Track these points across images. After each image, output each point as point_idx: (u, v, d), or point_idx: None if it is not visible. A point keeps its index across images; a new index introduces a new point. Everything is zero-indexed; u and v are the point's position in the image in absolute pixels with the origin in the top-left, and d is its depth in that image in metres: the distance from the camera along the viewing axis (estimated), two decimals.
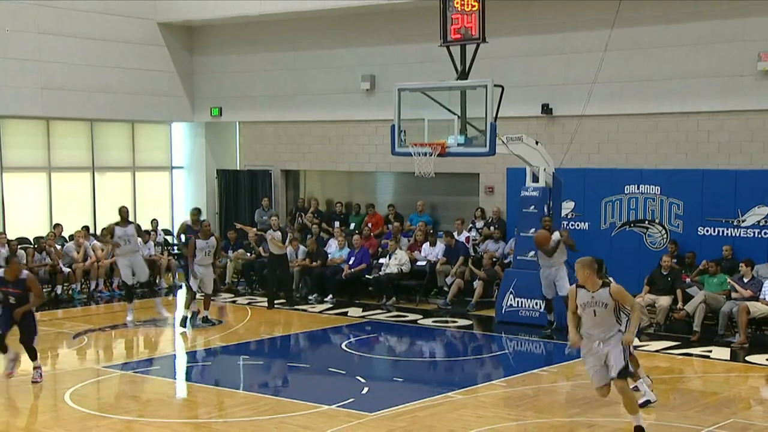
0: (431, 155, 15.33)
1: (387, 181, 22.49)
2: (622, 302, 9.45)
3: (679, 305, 15.33)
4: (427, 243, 19.08)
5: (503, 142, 15.31)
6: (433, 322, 16.66)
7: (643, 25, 18.10)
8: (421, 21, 19.55)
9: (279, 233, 18.06)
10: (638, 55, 18.24)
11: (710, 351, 14.04)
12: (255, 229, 19.83)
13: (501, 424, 10.30)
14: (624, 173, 18.04)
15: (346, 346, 14.78)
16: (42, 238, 19.71)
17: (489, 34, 15.25)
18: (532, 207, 16.25)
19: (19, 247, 18.86)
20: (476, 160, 18.31)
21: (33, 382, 12.12)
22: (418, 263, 18.75)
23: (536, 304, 16.03)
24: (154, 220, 22.41)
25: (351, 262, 19.01)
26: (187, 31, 23.82)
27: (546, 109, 19.30)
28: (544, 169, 16.33)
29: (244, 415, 10.66)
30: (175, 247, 21.00)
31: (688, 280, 16.01)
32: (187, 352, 14.97)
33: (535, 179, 16.41)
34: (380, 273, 18.61)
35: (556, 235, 15.21)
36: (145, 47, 22.88)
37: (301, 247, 19.76)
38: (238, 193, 23.97)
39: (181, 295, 19.12)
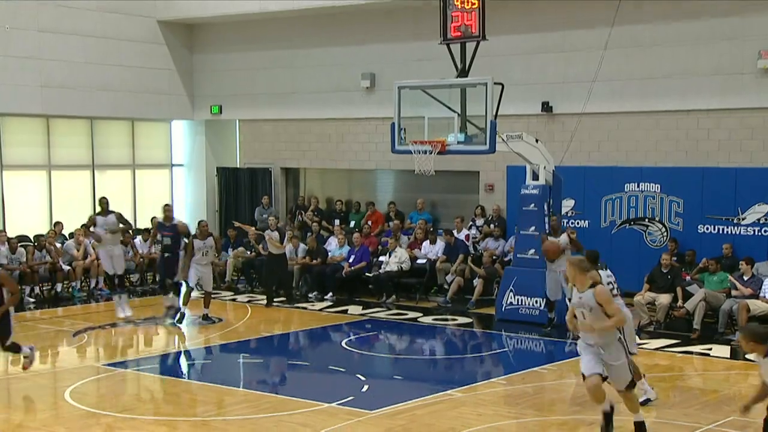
0: (431, 153, 15.32)
1: (387, 178, 22.48)
2: (605, 308, 8.86)
3: (679, 303, 15.32)
4: (427, 241, 19.08)
5: (503, 139, 15.31)
6: (433, 320, 16.66)
7: (644, 23, 18.09)
8: (421, 19, 19.55)
9: (276, 233, 18.05)
10: (638, 53, 18.24)
11: (710, 349, 14.03)
12: (254, 228, 19.84)
13: (501, 422, 10.29)
14: (624, 171, 18.04)
15: (346, 344, 14.78)
16: (42, 236, 19.71)
17: (489, 32, 15.24)
18: (532, 205, 16.24)
19: (19, 244, 18.87)
20: (476, 157, 18.32)
21: (23, 368, 12.08)
22: (418, 261, 18.75)
23: (536, 302, 16.03)
24: (154, 218, 22.32)
25: (351, 260, 19.01)
26: (187, 29, 23.81)
27: (546, 107, 19.29)
28: (544, 167, 16.32)
29: (243, 413, 10.66)
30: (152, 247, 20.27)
31: (688, 278, 16.01)
32: (186, 350, 14.98)
33: (535, 177, 16.40)
34: (380, 271, 18.61)
35: (564, 239, 15.18)
36: (145, 45, 22.87)
37: (301, 245, 19.76)
38: (238, 191, 23.97)
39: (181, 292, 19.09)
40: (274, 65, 22.92)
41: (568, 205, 18.05)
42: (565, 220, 17.55)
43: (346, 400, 10.96)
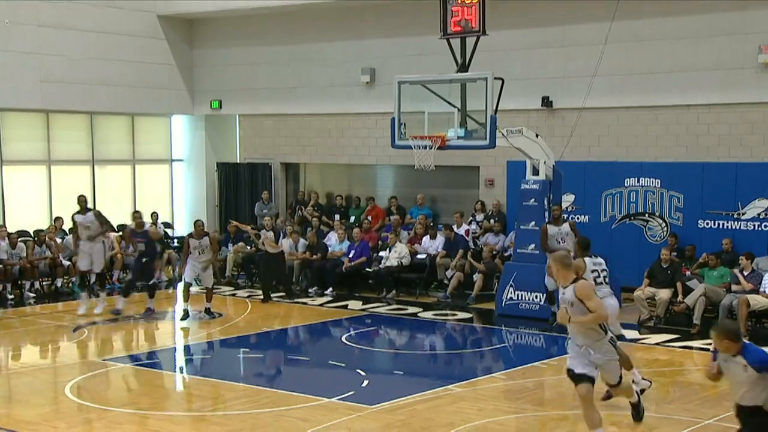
0: (431, 148, 15.30)
1: (387, 174, 22.48)
2: (586, 304, 8.52)
3: (679, 298, 15.32)
4: (427, 236, 19.08)
5: (503, 135, 15.29)
6: (433, 315, 16.67)
7: (644, 17, 18.07)
8: (421, 13, 19.51)
9: (272, 233, 18.04)
10: (638, 47, 18.22)
11: (710, 344, 13.91)
12: (251, 226, 19.87)
13: (501, 417, 10.30)
14: (624, 166, 18.03)
15: (346, 339, 14.79)
16: (42, 231, 19.71)
17: (489, 27, 15.21)
18: (532, 200, 16.24)
19: (19, 240, 18.87)
20: (476, 153, 18.30)
21: None
22: (418, 256, 18.75)
23: (536, 297, 16.03)
24: (154, 213, 22.35)
25: (351, 255, 19.01)
26: (186, 23, 23.79)
27: (546, 102, 19.27)
28: (545, 162, 16.31)
29: (243, 407, 10.66)
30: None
31: (688, 273, 16.00)
32: (186, 345, 14.99)
33: (536, 172, 16.40)
34: (380, 266, 18.61)
35: (565, 228, 15.18)
36: (144, 40, 22.85)
37: (302, 240, 19.76)
38: (238, 186, 23.96)
39: (180, 288, 19.09)
40: (274, 60, 22.90)
41: (568, 200, 18.04)
42: (566, 215, 17.53)
43: (346, 395, 10.97)
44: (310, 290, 18.96)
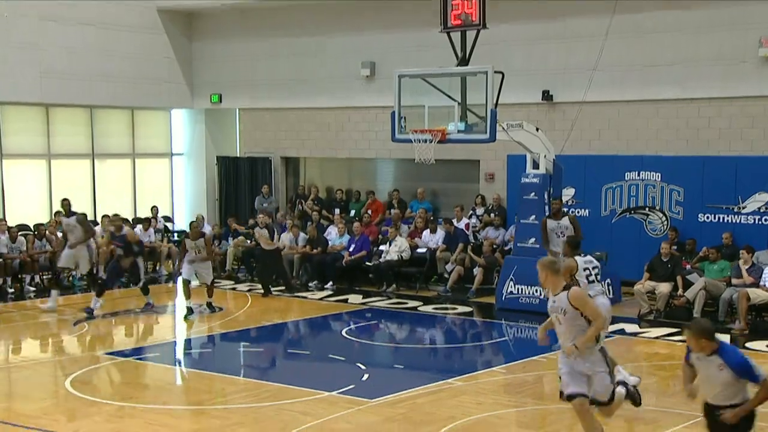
0: (431, 142, 15.30)
1: (387, 167, 22.46)
2: (583, 311, 8.18)
3: (680, 292, 15.32)
4: (428, 230, 19.07)
5: (503, 128, 15.28)
6: (434, 309, 16.67)
7: (644, 11, 18.04)
8: (421, 7, 19.48)
9: (265, 230, 18.04)
10: (639, 41, 18.19)
11: None
12: (241, 237, 20.12)
13: (501, 410, 10.31)
14: (624, 160, 18.01)
15: (346, 333, 14.79)
16: (42, 225, 19.70)
17: (489, 20, 15.20)
18: (533, 194, 16.23)
19: (19, 233, 18.86)
20: (476, 146, 18.30)
21: None
22: (419, 250, 18.73)
23: (536, 290, 16.00)
24: (154, 207, 22.39)
25: (351, 249, 19.00)
26: (186, 17, 23.75)
27: (547, 96, 19.25)
28: (545, 156, 16.29)
29: (244, 401, 10.67)
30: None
31: (688, 266, 16.01)
32: (187, 339, 14.99)
33: (536, 166, 16.38)
34: (380, 260, 18.60)
35: (564, 222, 15.14)
36: (144, 33, 22.81)
37: (302, 234, 19.75)
38: (238, 180, 23.94)
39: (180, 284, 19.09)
40: (274, 54, 22.86)
41: (568, 193, 18.03)
42: (566, 209, 17.53)
43: (346, 388, 10.97)
44: (310, 284, 18.96)
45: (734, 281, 14.99)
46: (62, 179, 22.05)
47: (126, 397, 10.93)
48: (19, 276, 18.46)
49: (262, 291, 18.00)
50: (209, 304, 16.28)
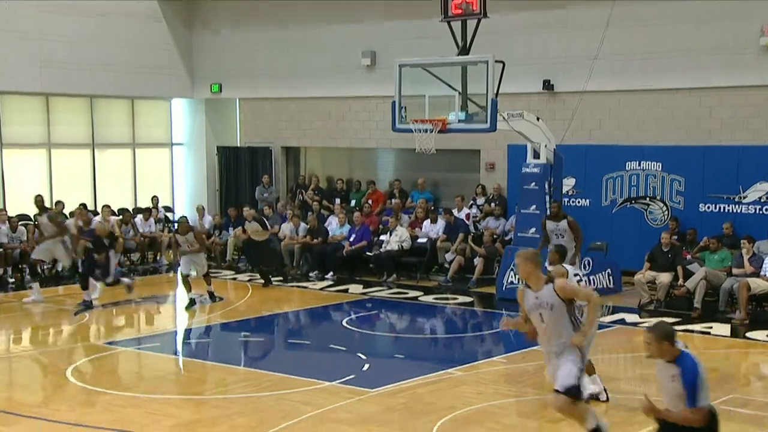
0: (432, 131, 15.28)
1: (388, 157, 22.44)
2: (574, 297, 7.81)
3: (680, 282, 15.31)
4: (428, 220, 19.06)
5: (504, 118, 15.26)
6: (434, 299, 16.67)
7: (645, 0, 17.98)
8: None
9: (255, 223, 18.02)
10: (640, 30, 18.13)
11: (711, 327, 14.04)
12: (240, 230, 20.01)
13: (501, 400, 10.31)
14: (625, 150, 17.99)
15: (346, 322, 14.79)
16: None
17: (490, 9, 15.16)
18: (533, 184, 16.21)
19: (19, 223, 18.85)
20: (477, 136, 18.26)
21: None
22: (419, 240, 18.73)
23: None
24: (154, 196, 22.38)
25: (352, 239, 19.00)
26: (186, 6, 23.68)
27: (547, 85, 19.22)
28: (545, 146, 16.27)
29: (244, 391, 10.68)
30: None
31: (688, 256, 16.00)
32: (188, 329, 15.00)
33: (536, 156, 16.36)
34: (381, 250, 18.60)
35: (563, 225, 15.01)
36: (144, 23, 22.75)
37: (302, 224, 19.75)
38: (239, 170, 23.92)
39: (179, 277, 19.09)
40: (274, 43, 22.80)
41: (569, 183, 18.01)
42: (566, 199, 17.53)
43: (347, 378, 10.98)
44: (310, 274, 18.96)
45: (735, 271, 14.98)
46: (62, 169, 22.03)
47: (127, 386, 10.95)
48: (20, 266, 18.46)
49: (263, 281, 18.01)
50: (210, 294, 16.28)
